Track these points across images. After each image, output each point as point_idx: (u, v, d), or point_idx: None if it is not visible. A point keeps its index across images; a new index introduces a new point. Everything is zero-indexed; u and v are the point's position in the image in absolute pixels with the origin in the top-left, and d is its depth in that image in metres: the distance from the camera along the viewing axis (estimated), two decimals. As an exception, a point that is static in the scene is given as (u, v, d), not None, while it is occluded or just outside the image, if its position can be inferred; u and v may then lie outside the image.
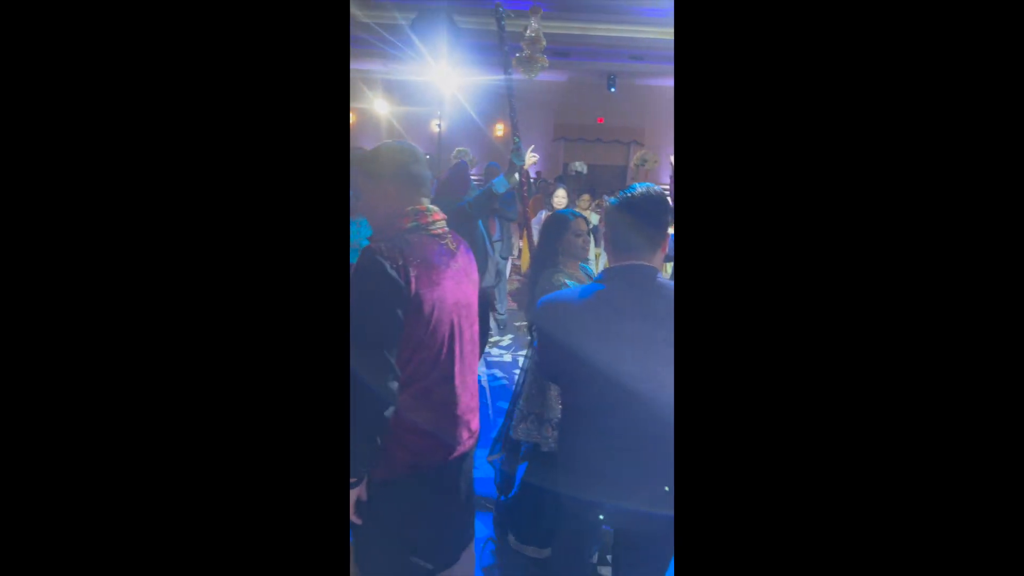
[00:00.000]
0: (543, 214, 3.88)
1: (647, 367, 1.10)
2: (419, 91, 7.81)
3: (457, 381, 1.27)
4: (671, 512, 1.19)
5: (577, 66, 8.20)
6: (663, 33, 7.27)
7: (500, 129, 9.31)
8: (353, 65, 8.61)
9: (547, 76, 8.52)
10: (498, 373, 3.73)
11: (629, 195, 1.17)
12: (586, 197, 5.34)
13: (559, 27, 6.90)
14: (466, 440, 1.31)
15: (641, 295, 1.14)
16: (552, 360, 1.25)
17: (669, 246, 2.40)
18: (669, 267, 2.06)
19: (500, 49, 2.29)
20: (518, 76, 6.34)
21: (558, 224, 1.89)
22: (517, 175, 2.33)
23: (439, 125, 7.88)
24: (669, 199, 1.26)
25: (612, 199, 1.20)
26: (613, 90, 8.49)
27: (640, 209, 1.16)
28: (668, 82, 8.75)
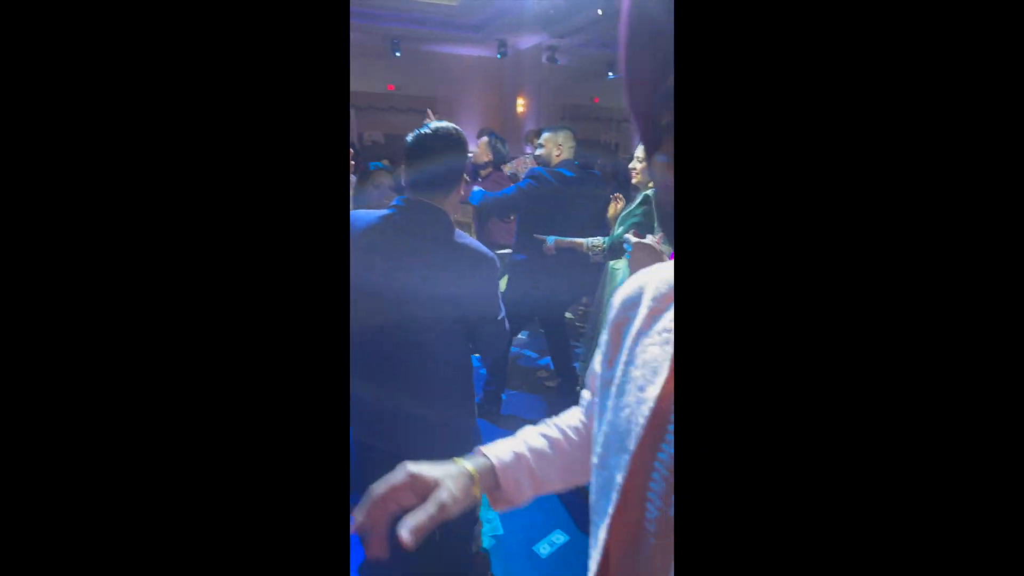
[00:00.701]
0: None
1: (411, 294, 1.13)
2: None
3: None
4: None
5: (357, 28, 7.74)
6: (442, -2, 7.27)
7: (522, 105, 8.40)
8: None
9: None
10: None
11: (423, 133, 1.15)
12: (385, 162, 5.27)
13: (332, -17, 6.39)
14: None
15: (426, 232, 1.14)
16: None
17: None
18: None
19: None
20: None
21: (360, 177, 1.91)
22: None
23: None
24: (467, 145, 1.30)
25: (408, 137, 1.19)
26: (398, 54, 8.28)
27: (433, 148, 1.15)
28: (454, 49, 8.85)
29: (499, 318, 1.17)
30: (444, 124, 1.18)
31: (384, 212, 1.18)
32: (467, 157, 1.25)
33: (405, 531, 0.59)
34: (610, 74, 8.47)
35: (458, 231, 1.18)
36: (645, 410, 0.56)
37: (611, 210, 2.26)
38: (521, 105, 9.01)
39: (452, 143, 1.16)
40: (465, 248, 1.13)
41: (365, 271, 1.14)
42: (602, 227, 2.57)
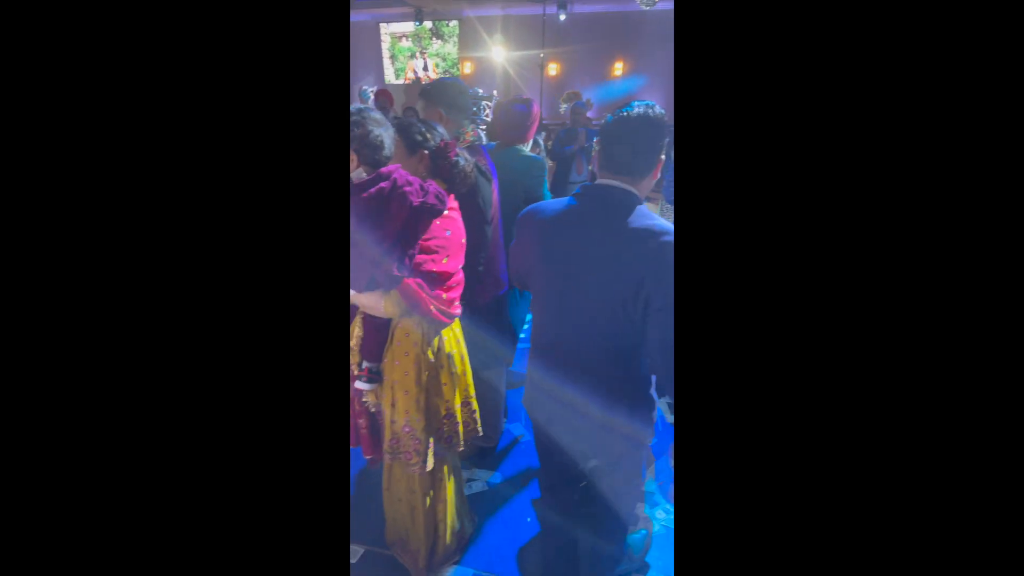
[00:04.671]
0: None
1: (601, 297, 1.09)
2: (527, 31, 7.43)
3: None
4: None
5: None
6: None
7: (619, 67, 8.81)
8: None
9: (671, 4, 7.74)
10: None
11: (626, 113, 1.10)
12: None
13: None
14: None
15: (611, 220, 1.09)
16: (516, 267, 1.30)
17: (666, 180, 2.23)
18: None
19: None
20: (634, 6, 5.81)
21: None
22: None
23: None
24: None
25: (609, 116, 1.14)
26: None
27: (634, 127, 1.09)
28: None
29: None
30: (650, 104, 1.10)
31: (567, 201, 1.17)
32: (664, 139, 1.13)
33: None
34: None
35: (653, 215, 1.11)
36: None
37: None
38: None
39: (654, 124, 1.08)
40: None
41: (546, 263, 1.16)
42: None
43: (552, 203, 1.21)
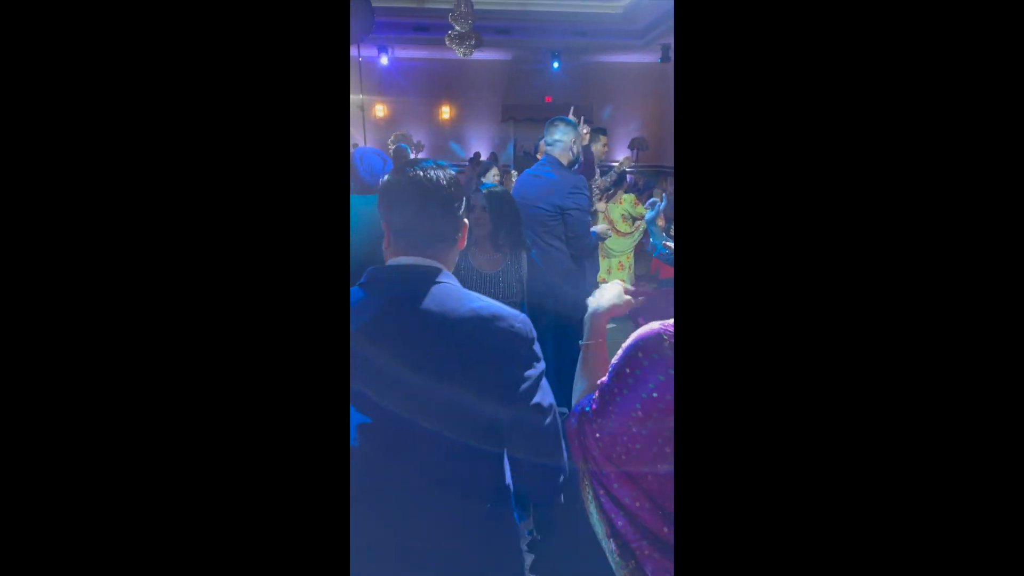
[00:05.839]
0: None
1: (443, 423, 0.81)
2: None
3: None
4: None
5: (520, 43, 7.96)
6: (605, 7, 7.10)
7: (446, 111, 9.02)
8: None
9: (490, 55, 8.26)
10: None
11: (410, 172, 0.86)
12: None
13: (498, 3, 6.63)
14: None
15: (423, 313, 0.82)
16: None
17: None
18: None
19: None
20: (453, 55, 6.08)
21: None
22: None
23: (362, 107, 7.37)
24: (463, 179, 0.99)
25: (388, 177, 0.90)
26: (557, 67, 8.29)
27: (412, 197, 0.85)
28: (613, 58, 8.62)
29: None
30: (432, 168, 0.88)
31: (353, 295, 0.86)
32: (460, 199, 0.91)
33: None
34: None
35: (470, 293, 0.86)
36: None
37: None
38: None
39: (440, 181, 0.86)
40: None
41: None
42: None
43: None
